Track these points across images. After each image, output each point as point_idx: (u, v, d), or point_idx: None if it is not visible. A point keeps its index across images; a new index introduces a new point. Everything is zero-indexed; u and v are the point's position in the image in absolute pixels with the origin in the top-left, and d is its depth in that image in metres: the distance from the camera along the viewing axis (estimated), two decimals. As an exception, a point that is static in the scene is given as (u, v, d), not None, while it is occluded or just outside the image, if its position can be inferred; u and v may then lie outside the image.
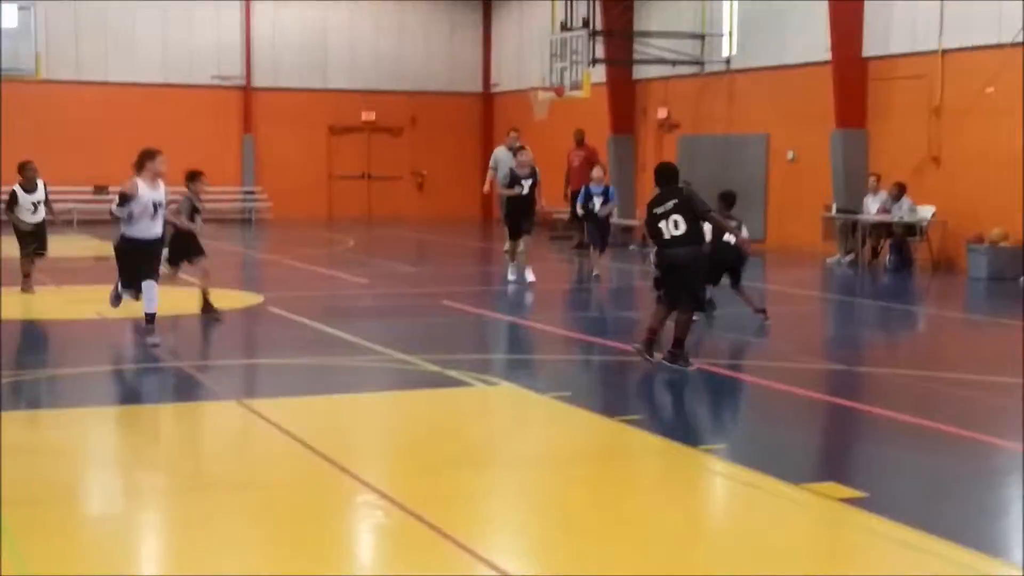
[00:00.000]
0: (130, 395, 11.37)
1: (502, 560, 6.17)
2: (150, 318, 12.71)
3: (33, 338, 14.54)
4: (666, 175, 11.85)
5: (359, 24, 36.20)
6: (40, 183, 16.78)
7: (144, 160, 12.86)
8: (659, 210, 11.44)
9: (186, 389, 11.44)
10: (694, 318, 11.69)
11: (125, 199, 12.58)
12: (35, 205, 16.60)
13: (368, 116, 35.63)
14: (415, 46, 36.80)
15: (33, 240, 16.68)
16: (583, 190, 19.50)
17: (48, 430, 9.64)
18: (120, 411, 10.54)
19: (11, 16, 29.92)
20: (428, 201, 35.77)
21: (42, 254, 16.96)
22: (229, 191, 33.80)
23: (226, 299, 14.92)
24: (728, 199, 14.79)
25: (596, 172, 19.42)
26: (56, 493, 7.58)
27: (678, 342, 11.23)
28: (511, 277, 18.71)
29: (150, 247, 12.98)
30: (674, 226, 11.31)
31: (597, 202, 19.14)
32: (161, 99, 33.70)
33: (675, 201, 11.39)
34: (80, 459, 8.73)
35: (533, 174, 18.62)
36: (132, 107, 32.92)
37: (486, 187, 22.96)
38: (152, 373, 11.99)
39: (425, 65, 36.87)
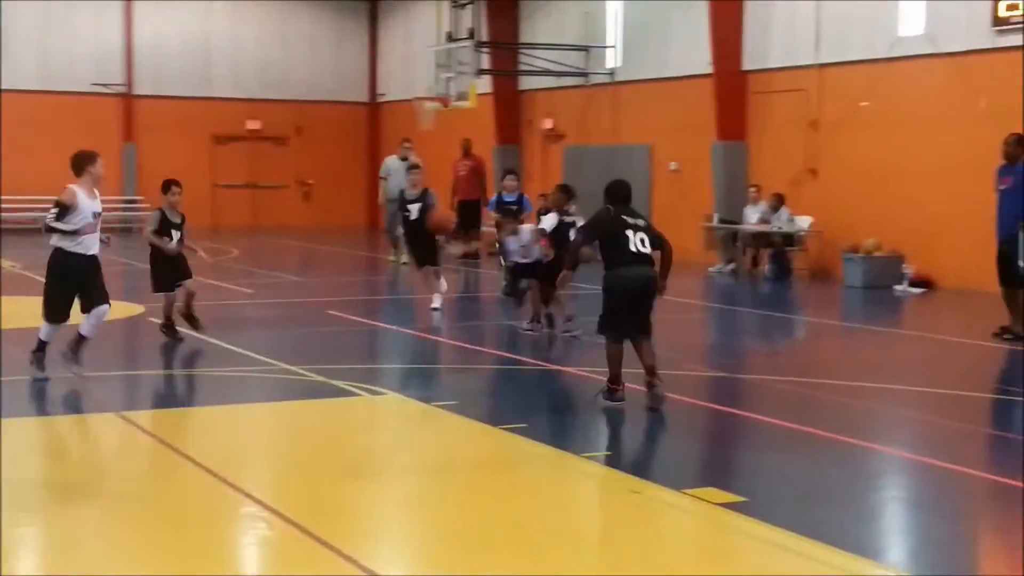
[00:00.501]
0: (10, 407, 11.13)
1: (384, 569, 6.23)
2: (79, 342, 11.38)
3: None
4: (624, 194, 10.83)
5: (243, 31, 35.87)
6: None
7: (83, 164, 11.46)
8: (630, 221, 10.51)
9: (63, 401, 11.16)
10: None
11: (65, 210, 11.15)
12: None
13: (253, 125, 35.33)
14: (300, 54, 36.57)
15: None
16: (495, 199, 17.87)
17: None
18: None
19: None
20: (314, 210, 35.49)
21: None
22: (110, 200, 33.15)
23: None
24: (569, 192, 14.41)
25: (509, 181, 17.90)
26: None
27: (653, 370, 10.22)
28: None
29: (96, 265, 11.50)
30: (641, 243, 10.42)
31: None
32: (38, 106, 33.03)
33: (643, 220, 10.76)
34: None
35: (423, 198, 17.19)
36: (7, 114, 32.19)
37: (380, 198, 23.04)
38: (32, 384, 11.45)
39: (311, 74, 36.64)
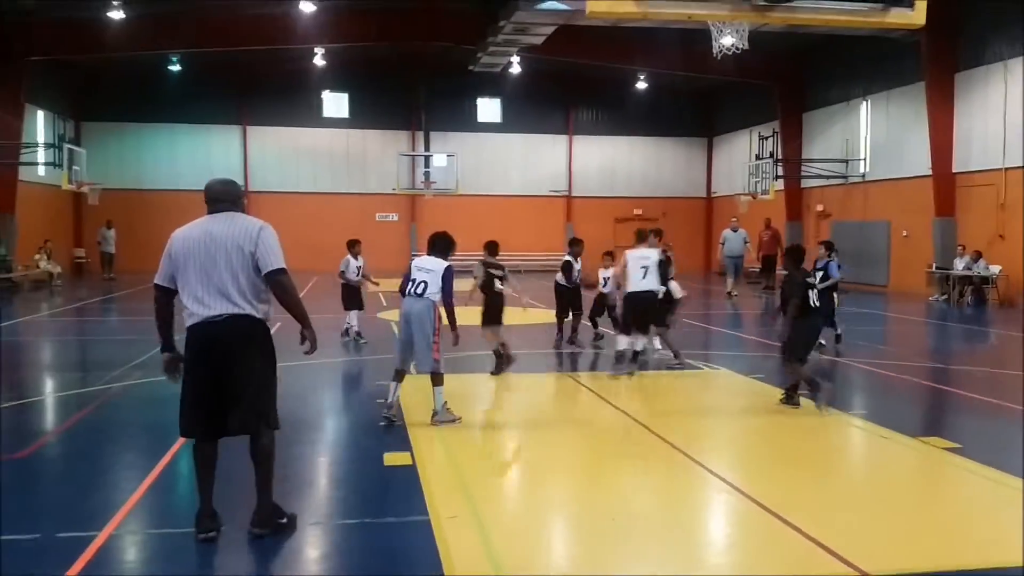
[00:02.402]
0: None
1: (710, 464, 6.44)
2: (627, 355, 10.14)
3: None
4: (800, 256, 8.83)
5: (634, 156, 36.19)
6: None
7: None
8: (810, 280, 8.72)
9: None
10: None
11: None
12: (358, 269, 12.83)
13: (638, 211, 35.68)
14: (667, 168, 36.68)
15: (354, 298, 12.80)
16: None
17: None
18: None
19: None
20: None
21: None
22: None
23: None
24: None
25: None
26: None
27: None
28: None
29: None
30: (816, 296, 8.56)
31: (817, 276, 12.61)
32: (519, 204, 35.09)
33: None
34: None
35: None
36: (509, 209, 34.32)
37: (719, 255, 23.14)
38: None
39: (672, 180, 36.72)
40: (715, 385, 10.30)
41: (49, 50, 25.79)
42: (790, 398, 8.64)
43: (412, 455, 6.56)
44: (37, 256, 25.50)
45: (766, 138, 27.78)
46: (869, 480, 6.47)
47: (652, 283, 10.33)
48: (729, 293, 22.14)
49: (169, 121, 32.55)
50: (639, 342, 10.50)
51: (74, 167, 25.66)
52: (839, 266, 12.59)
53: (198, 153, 32.67)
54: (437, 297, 7.57)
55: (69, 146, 25.73)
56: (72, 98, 31.17)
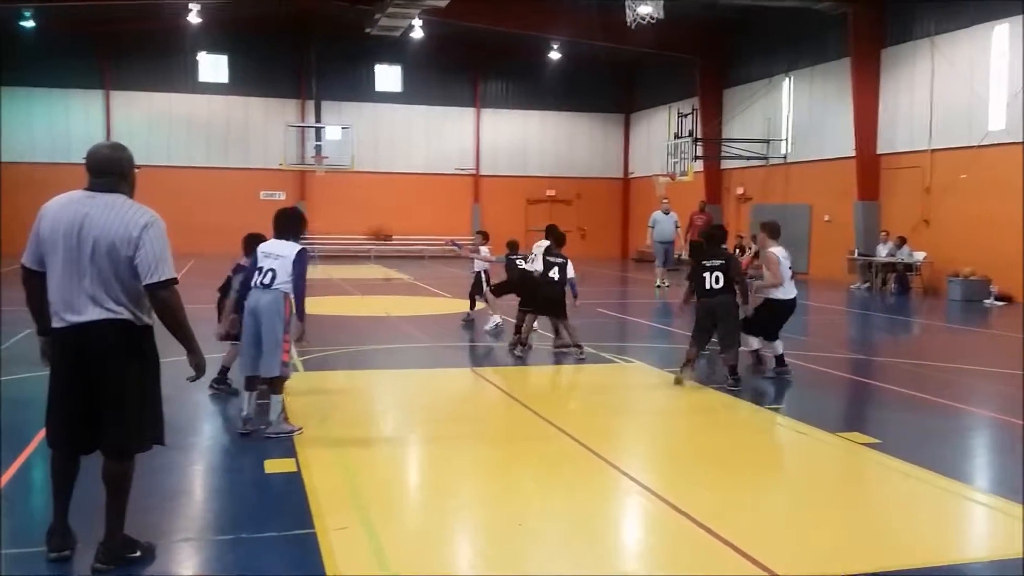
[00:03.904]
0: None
1: (623, 466, 6.56)
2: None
3: (336, 326, 14.21)
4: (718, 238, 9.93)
5: (546, 133, 36.61)
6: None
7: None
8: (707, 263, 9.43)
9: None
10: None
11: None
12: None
13: (551, 192, 36.13)
14: (581, 147, 37.17)
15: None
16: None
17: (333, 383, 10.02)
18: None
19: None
20: (588, 246, 35.60)
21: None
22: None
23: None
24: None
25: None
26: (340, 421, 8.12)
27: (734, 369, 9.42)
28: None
29: None
30: (715, 281, 9.38)
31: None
32: (424, 182, 34.78)
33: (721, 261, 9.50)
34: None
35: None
36: (426, 186, 33.96)
37: (648, 240, 22.86)
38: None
39: (587, 159, 37.23)
40: (628, 379, 10.46)
41: None
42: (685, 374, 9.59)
43: (296, 461, 6.43)
44: None
45: (685, 115, 28.35)
46: (784, 478, 6.65)
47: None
48: (659, 285, 21.63)
49: (23, 85, 31.03)
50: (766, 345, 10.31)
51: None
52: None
53: (56, 121, 31.36)
54: (288, 287, 7.02)
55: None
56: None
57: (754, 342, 10.23)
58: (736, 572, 4.60)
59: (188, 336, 4.50)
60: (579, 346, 11.29)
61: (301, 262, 7.03)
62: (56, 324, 4.38)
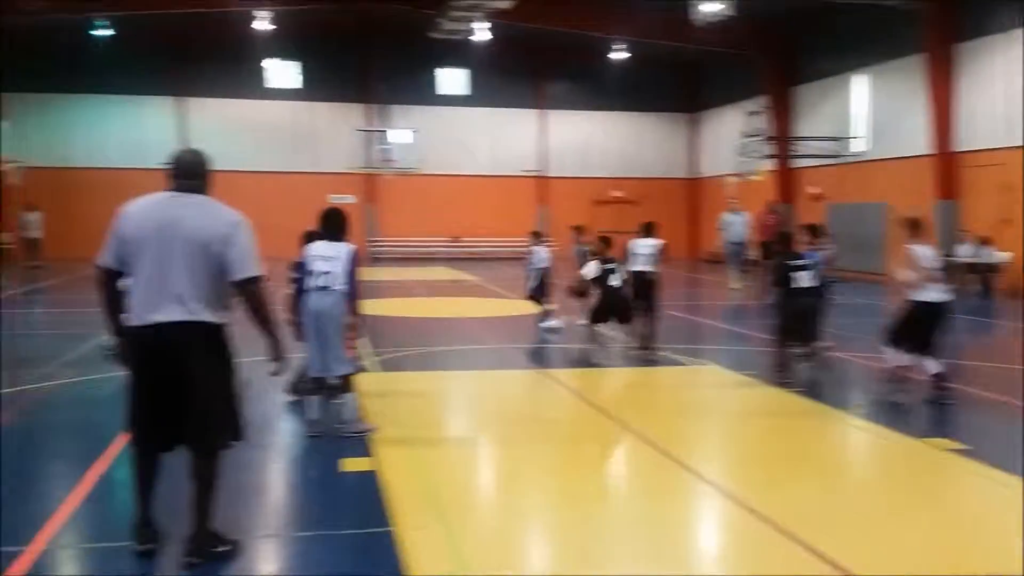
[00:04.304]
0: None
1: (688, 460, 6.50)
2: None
3: (406, 328, 14.46)
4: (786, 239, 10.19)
5: (612, 133, 36.38)
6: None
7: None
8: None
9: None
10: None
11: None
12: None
13: (617, 193, 35.95)
14: (648, 147, 36.90)
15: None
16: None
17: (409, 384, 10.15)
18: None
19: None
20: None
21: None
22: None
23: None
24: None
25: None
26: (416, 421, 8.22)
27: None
28: None
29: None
30: (802, 279, 9.46)
31: None
32: (489, 183, 35.01)
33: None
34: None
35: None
36: (489, 189, 34.25)
37: (720, 241, 22.51)
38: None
39: (653, 159, 36.94)
40: (701, 381, 10.32)
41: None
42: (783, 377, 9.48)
43: (371, 460, 6.54)
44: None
45: (754, 114, 27.97)
46: (865, 483, 6.56)
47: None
48: (733, 287, 21.14)
49: (98, 92, 32.02)
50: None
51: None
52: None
53: (130, 127, 32.23)
54: (344, 287, 7.06)
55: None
56: (-10, 66, 30.52)
57: (900, 356, 8.89)
58: (813, 572, 4.55)
59: (273, 330, 4.64)
60: (650, 348, 11.27)
61: (353, 262, 7.11)
62: (136, 323, 4.45)
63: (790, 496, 5.90)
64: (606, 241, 11.57)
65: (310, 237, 7.79)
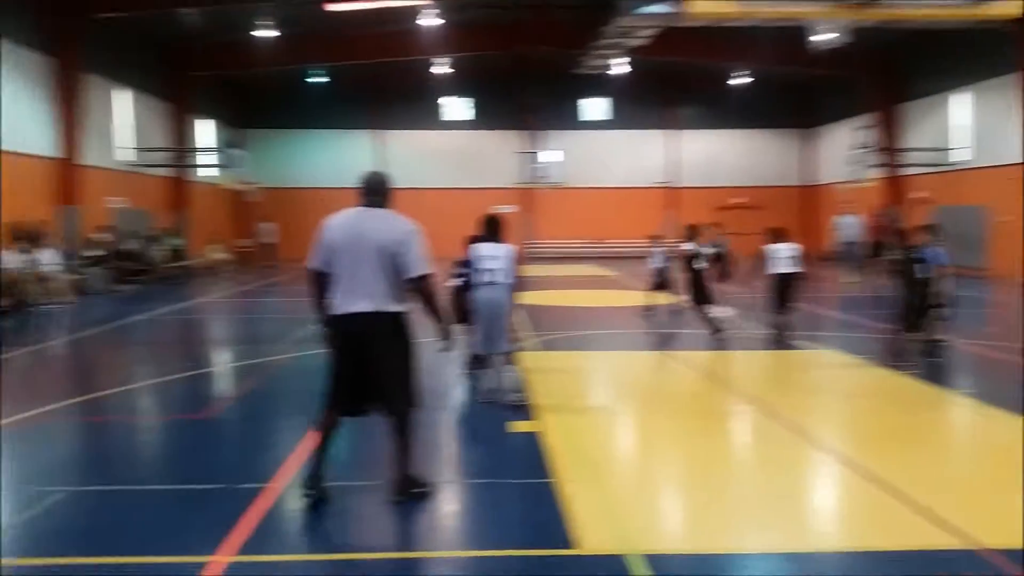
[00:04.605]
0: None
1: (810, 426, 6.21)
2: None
3: (557, 315, 14.24)
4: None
5: (729, 148, 35.35)
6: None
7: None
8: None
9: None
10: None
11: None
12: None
13: (737, 200, 34.84)
14: (762, 159, 35.64)
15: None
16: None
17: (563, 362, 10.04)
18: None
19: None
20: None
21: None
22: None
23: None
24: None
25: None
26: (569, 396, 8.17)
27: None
28: None
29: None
30: (920, 271, 9.29)
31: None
32: (625, 195, 34.64)
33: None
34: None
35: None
36: (624, 200, 34.00)
37: (834, 242, 21.43)
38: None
39: (767, 169, 35.61)
40: (819, 362, 9.85)
41: (213, 66, 27.22)
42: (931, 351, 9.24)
43: (534, 423, 6.64)
44: (208, 247, 27.05)
45: (863, 129, 26.45)
46: (984, 458, 6.09)
47: None
48: (851, 282, 20.07)
49: (313, 127, 33.82)
50: None
51: (237, 169, 27.05)
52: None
53: (336, 155, 33.79)
54: (510, 281, 7.28)
55: (233, 150, 27.13)
56: (235, 108, 32.76)
57: None
58: (940, 543, 4.27)
59: (441, 316, 4.85)
60: (784, 337, 10.93)
61: (514, 259, 7.32)
62: (335, 311, 4.65)
63: (912, 469, 5.54)
64: (693, 229, 11.59)
65: (472, 241, 8.09)
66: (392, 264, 4.59)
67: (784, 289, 11.08)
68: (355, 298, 4.59)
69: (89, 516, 4.75)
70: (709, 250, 11.70)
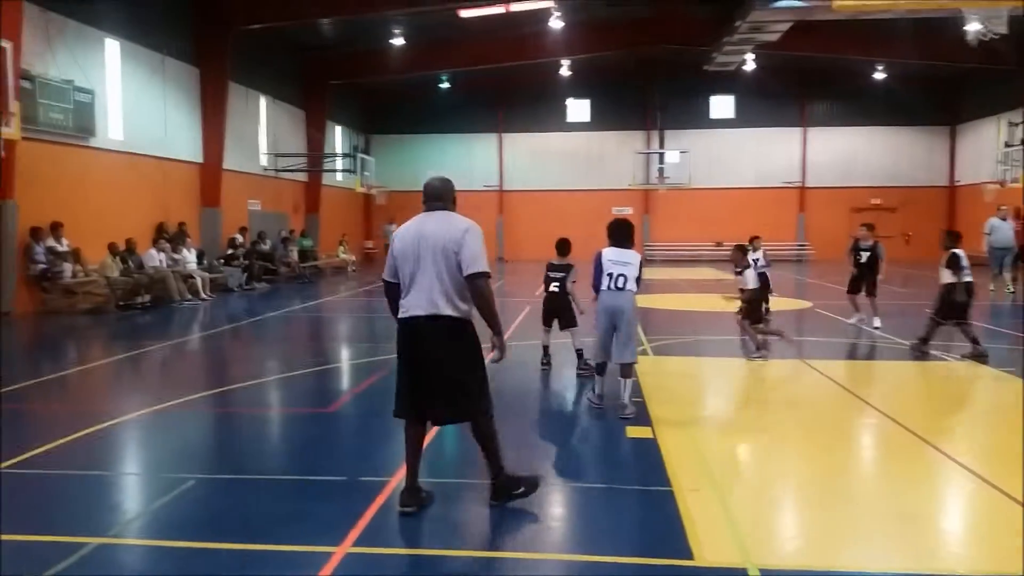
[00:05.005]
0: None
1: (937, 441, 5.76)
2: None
3: (675, 319, 13.98)
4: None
5: (871, 146, 33.79)
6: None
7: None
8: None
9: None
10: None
11: None
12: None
13: (876, 200, 33.20)
14: (906, 158, 33.81)
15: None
16: None
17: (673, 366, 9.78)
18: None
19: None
20: (913, 251, 32.30)
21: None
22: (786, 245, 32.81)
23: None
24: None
25: None
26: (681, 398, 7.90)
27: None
28: None
29: None
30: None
31: None
32: (751, 195, 33.51)
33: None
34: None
35: None
36: (723, 199, 33.02)
37: (984, 246, 19.04)
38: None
39: (911, 168, 33.76)
40: (955, 375, 9.30)
41: (346, 75, 28.32)
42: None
43: (652, 430, 6.47)
44: (338, 248, 28.24)
45: (1016, 125, 24.49)
46: None
47: None
48: (1010, 291, 18.51)
49: (439, 132, 34.61)
50: None
51: (365, 173, 28.08)
52: None
53: (462, 158, 34.44)
54: (636, 288, 6.97)
55: (361, 155, 28.23)
56: (363, 115, 34.02)
57: None
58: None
59: (495, 322, 4.56)
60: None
61: (641, 267, 7.07)
62: (401, 316, 4.58)
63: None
64: (742, 249, 10.50)
65: (562, 244, 8.57)
66: (451, 264, 4.47)
67: (966, 298, 10.09)
68: (414, 303, 4.52)
69: (218, 502, 4.96)
70: (762, 264, 11.02)
